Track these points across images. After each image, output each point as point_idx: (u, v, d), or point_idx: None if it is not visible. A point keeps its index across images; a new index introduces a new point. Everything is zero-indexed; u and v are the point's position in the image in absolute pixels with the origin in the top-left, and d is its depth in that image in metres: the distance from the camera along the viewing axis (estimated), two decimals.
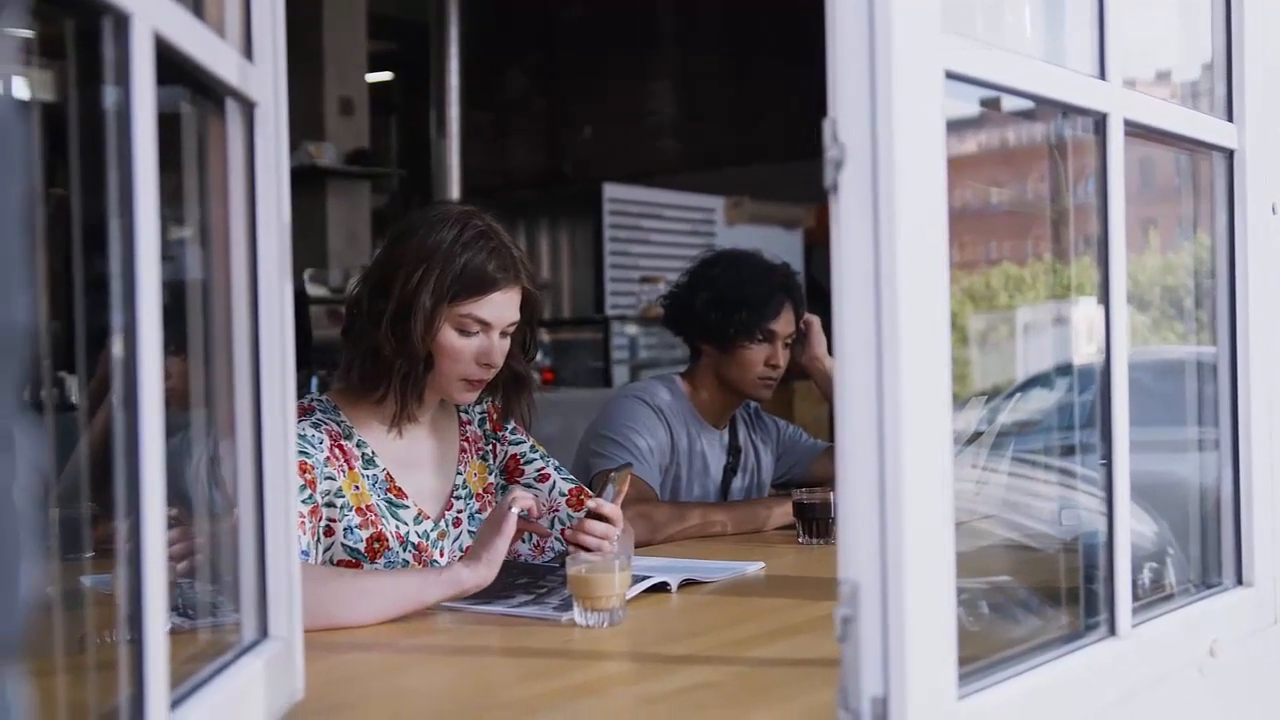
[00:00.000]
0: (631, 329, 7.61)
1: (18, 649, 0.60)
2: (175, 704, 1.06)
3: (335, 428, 2.17)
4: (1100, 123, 1.49)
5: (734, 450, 3.13)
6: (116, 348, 0.97)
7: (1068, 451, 1.90)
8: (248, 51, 1.31)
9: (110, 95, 0.97)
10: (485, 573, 1.94)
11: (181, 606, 1.36)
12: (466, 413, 2.36)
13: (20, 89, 0.66)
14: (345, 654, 1.73)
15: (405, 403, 2.17)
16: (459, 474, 2.31)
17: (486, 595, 1.98)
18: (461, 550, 2.25)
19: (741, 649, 1.75)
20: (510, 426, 2.40)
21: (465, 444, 2.34)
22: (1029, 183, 1.97)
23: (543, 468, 2.38)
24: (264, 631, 1.34)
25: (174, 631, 1.06)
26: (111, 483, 1.01)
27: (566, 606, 1.89)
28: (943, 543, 1.19)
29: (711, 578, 2.21)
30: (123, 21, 0.95)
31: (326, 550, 2.11)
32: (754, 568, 2.32)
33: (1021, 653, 1.40)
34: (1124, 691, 1.52)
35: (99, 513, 1.16)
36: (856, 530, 1.15)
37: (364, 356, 2.16)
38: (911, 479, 1.14)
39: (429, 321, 2.12)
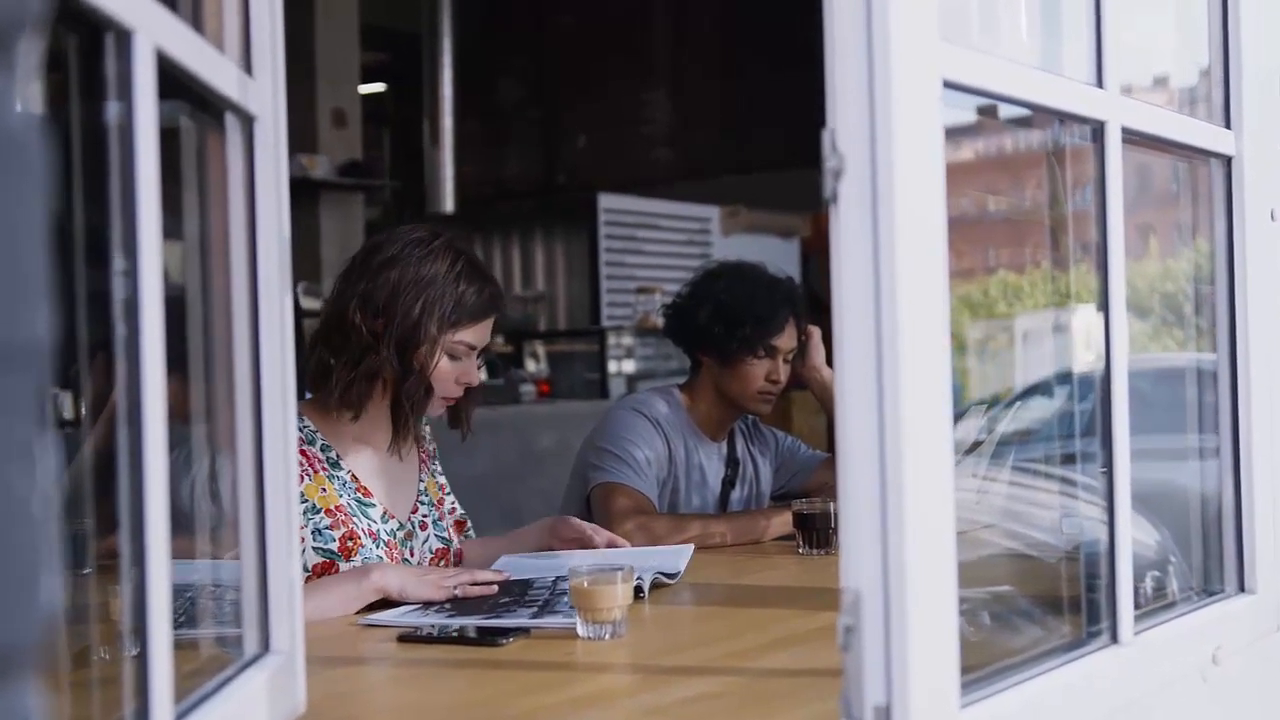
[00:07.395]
0: (628, 340, 7.57)
1: (37, 658, 0.60)
2: (179, 718, 1.06)
3: (299, 434, 2.21)
4: (1098, 131, 1.50)
5: (732, 462, 3.12)
6: (119, 362, 0.97)
7: (1068, 460, 1.90)
8: (247, 66, 1.31)
9: (112, 110, 0.97)
10: (396, 579, 2.06)
11: (180, 619, 1.36)
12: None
13: (40, 104, 0.66)
14: (346, 668, 1.73)
15: (408, 425, 2.29)
16: (421, 481, 2.42)
17: (489, 612, 1.97)
18: (432, 552, 2.37)
19: (744, 659, 1.75)
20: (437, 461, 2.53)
21: (424, 456, 2.45)
22: (1026, 190, 1.98)
23: (453, 508, 2.51)
24: (266, 646, 1.34)
25: (175, 645, 1.06)
26: (111, 497, 1.01)
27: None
28: (944, 551, 1.19)
29: (667, 566, 2.25)
30: (125, 37, 0.95)
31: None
32: (685, 552, 2.39)
33: (1023, 661, 1.40)
34: (1127, 699, 1.52)
35: (95, 529, 1.16)
36: (858, 539, 1.15)
37: (363, 378, 2.23)
38: (912, 487, 1.14)
39: (433, 350, 2.23)
